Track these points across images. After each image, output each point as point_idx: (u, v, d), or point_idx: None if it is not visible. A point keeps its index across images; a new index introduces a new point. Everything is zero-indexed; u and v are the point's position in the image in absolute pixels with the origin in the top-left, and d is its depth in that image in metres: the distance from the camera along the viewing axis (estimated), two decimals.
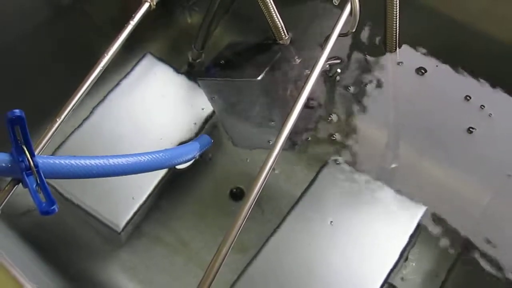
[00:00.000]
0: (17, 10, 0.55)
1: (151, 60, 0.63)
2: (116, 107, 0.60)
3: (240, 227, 0.33)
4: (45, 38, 0.60)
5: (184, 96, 0.61)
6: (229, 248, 0.32)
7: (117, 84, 0.61)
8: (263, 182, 0.34)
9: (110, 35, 0.44)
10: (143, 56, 0.63)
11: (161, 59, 0.63)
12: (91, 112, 0.59)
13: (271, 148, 0.35)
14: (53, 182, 0.54)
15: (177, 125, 0.59)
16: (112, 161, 0.35)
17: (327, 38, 0.41)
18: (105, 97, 0.60)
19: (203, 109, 0.60)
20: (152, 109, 0.60)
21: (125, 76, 0.62)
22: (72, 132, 0.58)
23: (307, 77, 0.39)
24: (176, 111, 0.60)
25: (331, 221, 0.51)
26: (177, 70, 0.63)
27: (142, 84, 0.61)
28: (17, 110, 0.29)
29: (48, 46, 0.61)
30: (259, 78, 0.52)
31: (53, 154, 0.57)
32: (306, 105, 0.37)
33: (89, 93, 0.41)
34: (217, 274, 0.32)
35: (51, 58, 0.62)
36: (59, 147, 0.57)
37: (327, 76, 0.60)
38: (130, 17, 0.44)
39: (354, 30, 0.45)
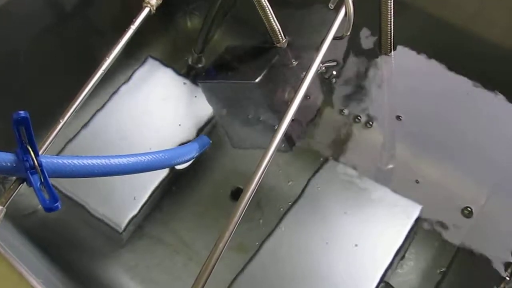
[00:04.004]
0: (22, 14, 0.56)
1: (152, 63, 0.64)
2: (118, 109, 0.61)
3: (236, 224, 0.33)
4: (49, 41, 0.61)
5: (184, 98, 0.62)
6: (225, 245, 0.33)
7: (119, 87, 0.62)
8: (258, 181, 0.35)
9: (112, 39, 0.45)
10: (145, 60, 0.64)
11: (162, 62, 0.64)
12: (95, 114, 0.60)
13: (265, 148, 0.36)
14: (56, 182, 0.55)
15: (177, 126, 0.60)
16: (113, 160, 0.36)
17: (322, 41, 0.42)
18: (107, 100, 0.61)
19: (202, 111, 0.61)
20: (153, 110, 0.61)
21: (127, 79, 0.63)
22: (76, 133, 0.59)
23: (302, 79, 0.40)
24: (177, 113, 0.61)
25: (328, 221, 0.51)
26: (178, 73, 0.64)
27: (143, 87, 0.63)
28: (22, 112, 0.30)
29: (52, 50, 0.62)
30: (257, 80, 0.53)
31: (57, 155, 0.58)
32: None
33: (92, 95, 0.42)
34: (213, 271, 0.33)
35: (55, 61, 0.63)
36: (63, 148, 0.58)
37: (323, 78, 0.61)
38: (132, 21, 0.45)
39: (349, 33, 0.46)
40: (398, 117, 0.58)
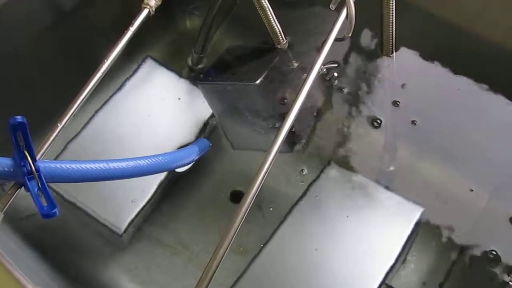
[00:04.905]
0: (21, 15, 0.56)
1: (151, 64, 0.64)
2: (117, 111, 0.60)
3: (237, 228, 0.33)
4: (48, 43, 0.61)
5: (184, 100, 0.62)
6: (226, 249, 0.33)
7: (118, 89, 0.62)
8: (260, 184, 0.35)
9: (112, 40, 0.45)
10: (144, 60, 0.64)
11: (162, 63, 0.64)
12: (93, 116, 0.60)
13: (267, 151, 0.36)
14: (55, 185, 0.55)
15: (177, 129, 0.60)
16: (112, 165, 0.36)
17: (324, 43, 0.42)
18: (106, 101, 0.61)
19: (202, 112, 0.61)
20: (153, 112, 0.61)
21: (126, 80, 0.62)
22: (74, 136, 0.59)
23: (304, 80, 0.39)
24: (176, 115, 0.61)
25: (330, 223, 0.51)
26: (177, 74, 0.63)
27: (142, 88, 0.62)
28: (19, 116, 0.29)
29: (51, 51, 0.62)
30: (257, 81, 0.53)
31: (55, 159, 0.58)
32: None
33: (90, 97, 0.42)
34: (214, 274, 0.32)
35: (54, 63, 0.62)
36: (61, 152, 0.58)
37: (325, 79, 0.60)
38: (131, 21, 0.45)
39: (350, 35, 0.45)
40: (400, 118, 0.58)
